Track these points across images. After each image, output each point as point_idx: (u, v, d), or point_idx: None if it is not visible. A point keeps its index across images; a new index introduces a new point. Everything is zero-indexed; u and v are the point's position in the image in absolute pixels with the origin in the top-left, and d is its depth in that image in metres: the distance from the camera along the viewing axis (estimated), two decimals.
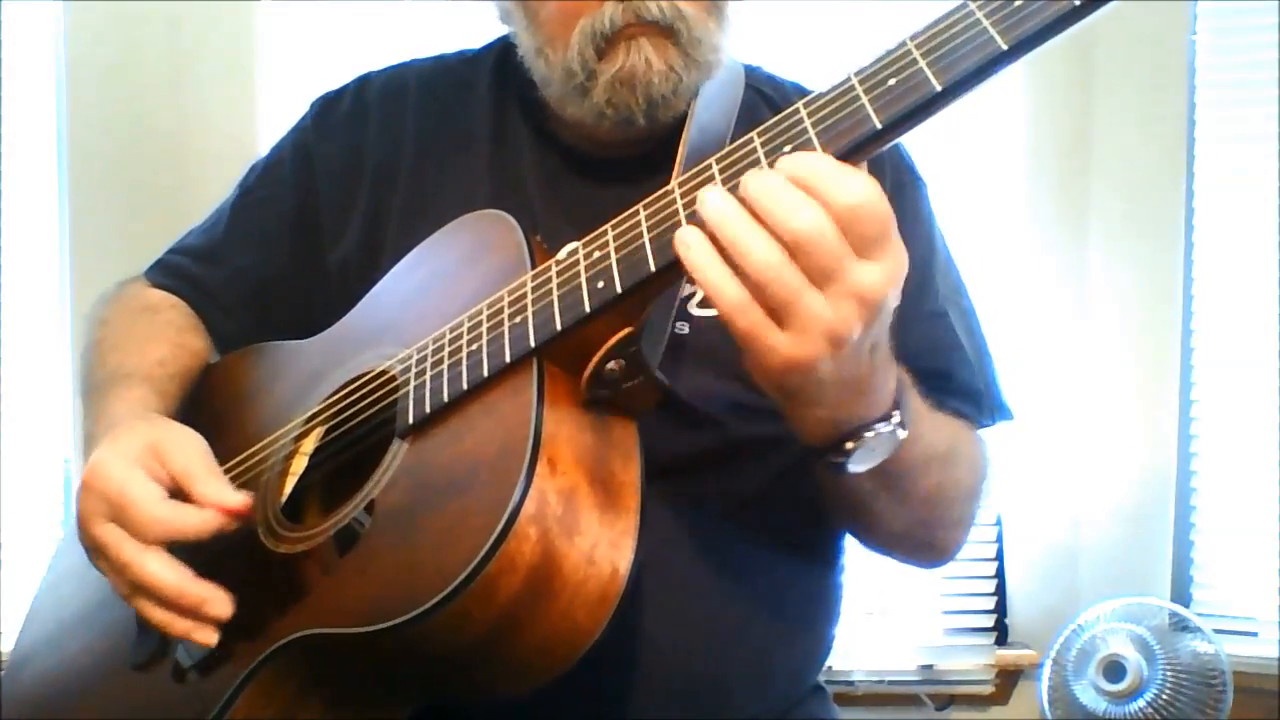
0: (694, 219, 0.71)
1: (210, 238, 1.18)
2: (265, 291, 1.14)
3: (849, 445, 0.78)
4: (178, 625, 0.83)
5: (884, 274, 0.68)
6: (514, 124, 1.08)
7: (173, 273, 1.17)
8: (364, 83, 1.16)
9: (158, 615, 0.83)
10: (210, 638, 0.83)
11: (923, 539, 1.00)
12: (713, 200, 0.69)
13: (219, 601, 0.82)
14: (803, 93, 1.09)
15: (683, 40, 0.95)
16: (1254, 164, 2.32)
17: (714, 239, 0.69)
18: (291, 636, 0.77)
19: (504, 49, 1.12)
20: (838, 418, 0.77)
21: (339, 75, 1.18)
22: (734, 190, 0.70)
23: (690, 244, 0.69)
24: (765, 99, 1.08)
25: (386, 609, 0.71)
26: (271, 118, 2.22)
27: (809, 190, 0.66)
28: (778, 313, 0.68)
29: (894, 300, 0.70)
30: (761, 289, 0.67)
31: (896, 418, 0.79)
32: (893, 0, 2.17)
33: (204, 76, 2.24)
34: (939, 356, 1.03)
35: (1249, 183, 2.32)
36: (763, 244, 0.67)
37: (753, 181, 0.68)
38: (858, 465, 0.80)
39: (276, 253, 1.13)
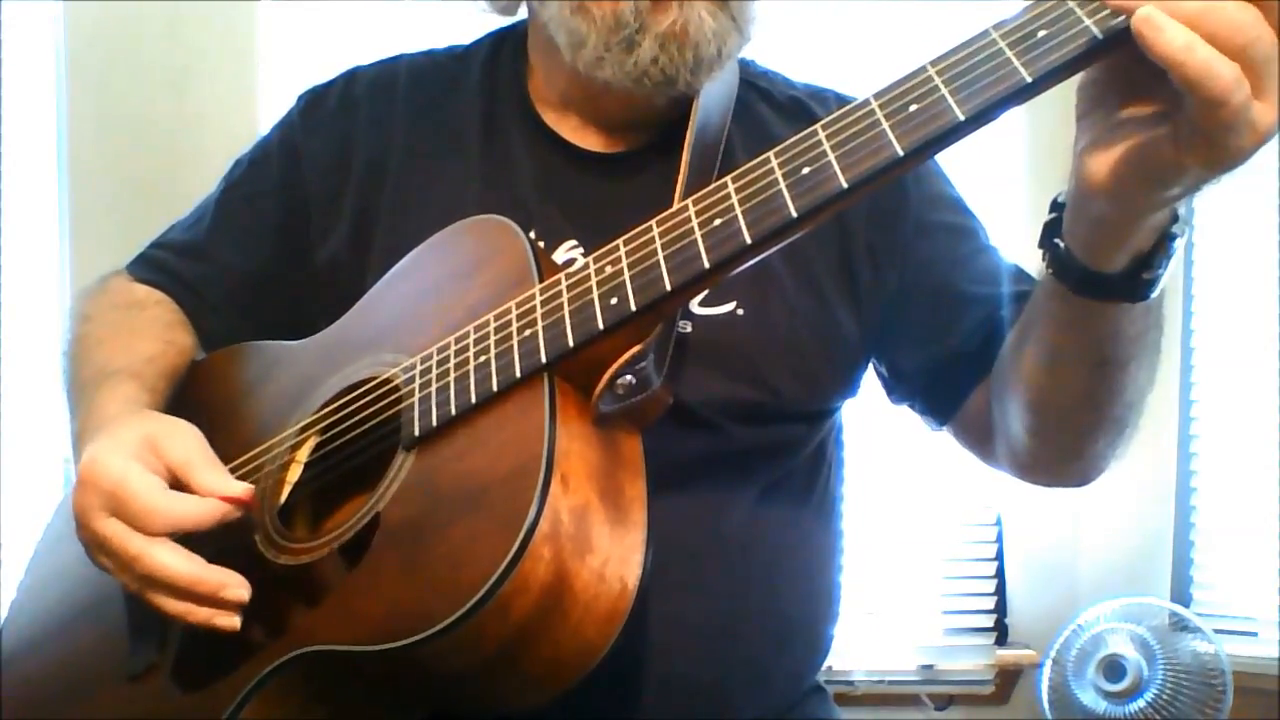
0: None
1: (195, 233, 1.14)
2: (251, 288, 1.11)
3: (1157, 257, 0.75)
4: (197, 614, 0.81)
5: None
6: (505, 119, 1.06)
7: (157, 267, 1.14)
8: (352, 76, 1.13)
9: (173, 606, 0.81)
10: (234, 622, 0.80)
11: (1126, 423, 0.94)
12: None
13: (237, 585, 0.80)
14: (791, 85, 1.09)
15: (732, 4, 0.94)
16: (1254, 164, 2.30)
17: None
18: (300, 651, 0.77)
19: (495, 45, 1.11)
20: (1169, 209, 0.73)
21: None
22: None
23: (1163, 26, 0.62)
24: (759, 92, 1.07)
25: (398, 627, 0.71)
26: (271, 117, 2.20)
27: None
28: (1254, 80, 0.63)
29: None
30: (1244, 54, 0.62)
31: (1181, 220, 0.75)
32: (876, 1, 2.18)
33: (204, 76, 2.24)
34: (1007, 281, 1.05)
35: (1249, 183, 2.32)
36: (1234, 6, 0.61)
37: None
38: (1164, 274, 0.76)
39: (262, 249, 1.10)
